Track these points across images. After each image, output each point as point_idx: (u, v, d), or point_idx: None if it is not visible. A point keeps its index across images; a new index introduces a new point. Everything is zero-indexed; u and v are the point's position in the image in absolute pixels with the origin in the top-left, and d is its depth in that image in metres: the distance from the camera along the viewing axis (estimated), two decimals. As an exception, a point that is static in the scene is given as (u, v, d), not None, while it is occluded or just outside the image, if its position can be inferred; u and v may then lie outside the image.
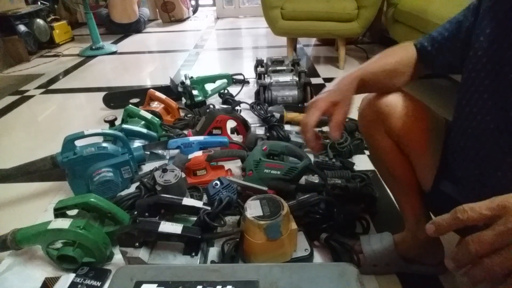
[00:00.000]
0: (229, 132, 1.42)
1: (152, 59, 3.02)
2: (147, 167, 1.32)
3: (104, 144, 1.18)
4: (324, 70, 2.43)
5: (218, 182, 1.01)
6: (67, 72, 2.63)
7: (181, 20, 4.31)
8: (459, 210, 0.38)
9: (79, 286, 0.84)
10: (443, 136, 0.72)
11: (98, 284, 0.85)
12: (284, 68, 1.88)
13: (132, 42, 3.54)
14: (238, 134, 1.42)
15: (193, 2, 4.59)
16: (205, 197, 1.09)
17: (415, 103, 0.74)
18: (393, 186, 0.83)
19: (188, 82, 1.74)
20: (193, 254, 0.83)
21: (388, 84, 0.74)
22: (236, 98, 1.86)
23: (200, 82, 1.83)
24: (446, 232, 0.39)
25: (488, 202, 0.38)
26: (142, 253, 0.81)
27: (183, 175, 1.06)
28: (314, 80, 2.06)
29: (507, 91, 0.54)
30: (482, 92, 0.57)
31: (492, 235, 0.35)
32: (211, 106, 1.72)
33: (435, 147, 0.71)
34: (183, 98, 1.77)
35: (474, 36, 0.59)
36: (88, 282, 0.85)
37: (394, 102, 0.73)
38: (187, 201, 0.91)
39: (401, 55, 0.73)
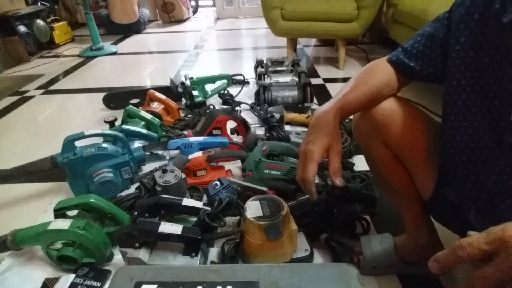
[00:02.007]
0: (229, 132, 1.42)
1: (152, 60, 3.03)
2: (147, 168, 1.32)
3: (104, 145, 1.18)
4: (324, 71, 2.43)
5: (218, 183, 1.01)
6: (67, 72, 2.63)
7: (181, 21, 4.31)
8: (457, 247, 0.39)
9: (79, 286, 0.84)
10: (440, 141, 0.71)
11: (98, 284, 0.85)
12: (284, 68, 1.88)
13: (132, 42, 3.54)
14: (238, 134, 1.42)
15: (193, 3, 4.60)
16: (205, 198, 1.09)
17: (412, 109, 0.72)
18: (392, 196, 0.81)
19: (188, 82, 1.74)
20: (193, 254, 0.83)
21: (372, 105, 0.72)
22: (236, 99, 1.86)
23: (200, 83, 1.83)
24: (450, 268, 0.40)
25: (485, 236, 0.38)
26: (142, 254, 0.81)
27: (183, 175, 1.06)
28: (314, 81, 2.06)
29: (490, 95, 0.54)
30: (465, 99, 0.58)
31: (494, 271, 0.37)
32: (211, 107, 1.72)
33: (435, 154, 0.69)
34: (183, 99, 1.78)
35: (450, 46, 0.60)
36: (88, 282, 0.85)
37: (390, 110, 0.71)
38: (187, 201, 0.91)
39: (379, 78, 0.71)
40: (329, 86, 2.13)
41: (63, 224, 0.86)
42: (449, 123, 0.62)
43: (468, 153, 0.59)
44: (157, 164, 1.29)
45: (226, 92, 1.90)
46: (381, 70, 0.72)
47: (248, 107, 1.69)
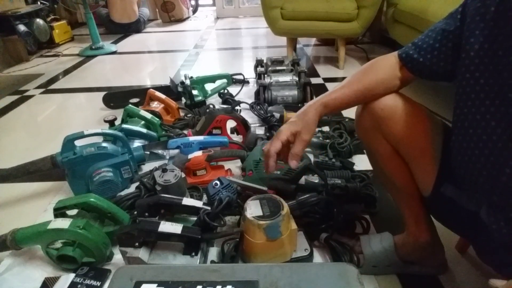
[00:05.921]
0: (229, 132, 1.42)
1: (152, 59, 3.02)
2: (147, 167, 1.32)
3: (104, 144, 1.18)
4: (324, 70, 2.43)
5: (218, 182, 1.01)
6: (66, 72, 2.63)
7: (181, 20, 4.30)
8: None
9: (79, 286, 0.84)
10: (442, 138, 0.71)
11: (98, 284, 0.85)
12: (284, 68, 1.88)
13: (132, 42, 3.54)
14: (238, 134, 1.42)
15: (193, 2, 4.59)
16: (205, 197, 1.09)
17: (413, 105, 0.72)
18: (392, 192, 0.82)
19: (188, 82, 1.74)
20: (193, 254, 0.83)
21: (365, 101, 0.74)
22: (236, 98, 1.86)
23: (200, 82, 1.83)
24: None
25: None
26: (142, 253, 0.81)
27: (183, 175, 1.06)
28: (314, 80, 2.06)
29: (504, 88, 0.54)
30: (479, 91, 0.58)
31: None
32: (211, 106, 1.72)
33: (435, 150, 0.70)
34: (183, 98, 1.77)
35: (464, 39, 0.60)
36: (87, 282, 0.85)
37: (390, 104, 0.72)
38: (187, 201, 0.91)
39: (375, 76, 0.72)
40: (329, 85, 2.13)
41: (63, 223, 0.86)
42: (462, 116, 0.62)
43: (481, 146, 0.59)
44: (157, 164, 1.29)
45: (226, 91, 1.90)
46: (380, 67, 0.73)
47: (248, 106, 1.70)
